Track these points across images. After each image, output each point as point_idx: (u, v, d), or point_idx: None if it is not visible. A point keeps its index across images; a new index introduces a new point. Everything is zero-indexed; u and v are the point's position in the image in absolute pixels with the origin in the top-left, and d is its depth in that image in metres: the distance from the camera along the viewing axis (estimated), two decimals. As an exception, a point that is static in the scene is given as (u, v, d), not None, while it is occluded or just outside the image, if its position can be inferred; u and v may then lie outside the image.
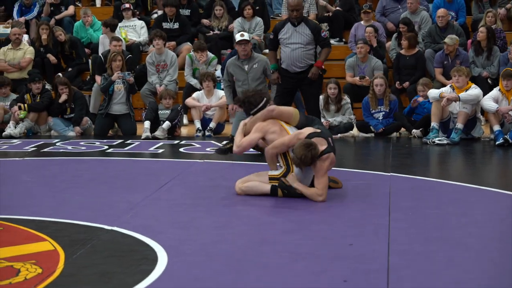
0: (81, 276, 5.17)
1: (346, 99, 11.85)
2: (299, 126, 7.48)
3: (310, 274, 5.11)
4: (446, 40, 12.48)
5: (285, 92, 10.31)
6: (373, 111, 11.68)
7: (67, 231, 6.26)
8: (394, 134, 11.68)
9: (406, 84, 12.62)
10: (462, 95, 10.72)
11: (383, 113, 11.65)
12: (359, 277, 5.02)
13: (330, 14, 14.78)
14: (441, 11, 13.42)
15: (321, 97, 11.86)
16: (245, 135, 7.60)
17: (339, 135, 11.50)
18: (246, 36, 11.21)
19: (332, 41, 14.67)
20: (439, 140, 10.65)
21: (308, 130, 7.28)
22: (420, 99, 11.43)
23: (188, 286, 4.93)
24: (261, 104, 7.65)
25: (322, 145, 7.09)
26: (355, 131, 11.83)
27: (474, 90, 10.83)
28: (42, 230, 6.27)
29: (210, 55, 13.31)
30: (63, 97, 12.13)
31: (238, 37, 11.17)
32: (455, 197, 7.48)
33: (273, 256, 5.57)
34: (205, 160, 9.68)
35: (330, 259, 5.44)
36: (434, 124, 10.82)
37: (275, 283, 4.96)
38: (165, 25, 14.33)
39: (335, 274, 5.07)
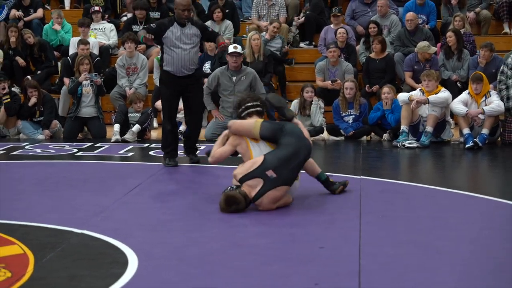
0: (51, 279, 5.13)
1: (320, 102, 11.86)
2: (266, 139, 7.17)
3: (280, 277, 5.10)
4: (416, 49, 12.56)
5: (174, 96, 9.42)
6: (343, 114, 11.71)
7: (36, 235, 6.21)
8: (364, 138, 11.71)
9: (376, 87, 12.65)
10: (432, 97, 10.78)
11: (353, 116, 11.68)
12: (330, 280, 5.02)
13: (300, 17, 14.80)
14: (409, 15, 13.50)
15: (295, 101, 11.89)
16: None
17: (309, 138, 11.51)
18: (239, 49, 11.28)
19: (302, 45, 14.78)
20: (409, 143, 10.69)
21: (245, 168, 6.96)
22: None
23: (159, 289, 4.91)
24: (249, 105, 7.52)
25: (254, 188, 6.84)
26: (325, 135, 11.85)
27: (444, 93, 10.89)
28: (10, 233, 6.21)
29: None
30: (33, 100, 12.04)
31: (231, 48, 11.25)
32: (426, 200, 7.51)
33: (244, 259, 5.56)
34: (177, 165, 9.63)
35: (300, 262, 5.44)
36: (403, 127, 10.87)
37: (246, 286, 4.94)
38: (135, 28, 14.28)
39: (306, 277, 5.07)
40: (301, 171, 7.24)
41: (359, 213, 6.78)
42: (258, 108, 7.49)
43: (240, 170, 6.98)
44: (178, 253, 5.71)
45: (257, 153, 7.10)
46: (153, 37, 9.00)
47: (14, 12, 15.27)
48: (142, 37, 8.97)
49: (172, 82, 9.25)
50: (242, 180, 6.88)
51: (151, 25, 9.25)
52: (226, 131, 7.48)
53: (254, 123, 7.21)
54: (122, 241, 5.89)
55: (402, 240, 5.99)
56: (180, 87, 9.24)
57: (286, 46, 13.96)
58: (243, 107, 7.50)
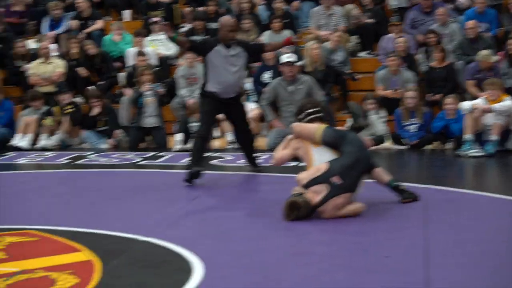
0: (117, 286, 5.17)
1: (381, 112, 11.81)
2: (327, 145, 7.17)
3: (346, 286, 5.06)
4: (478, 57, 12.40)
5: (215, 111, 9.11)
6: (406, 123, 11.63)
7: (102, 242, 6.27)
8: (428, 147, 11.60)
9: (438, 96, 12.53)
10: (495, 106, 10.65)
11: (416, 125, 11.59)
12: (397, 290, 4.97)
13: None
14: (470, 23, 13.35)
15: (356, 110, 11.87)
16: None
17: (371, 148, 11.46)
18: (293, 58, 11.29)
19: (362, 54, 14.70)
20: (473, 152, 10.56)
21: (310, 174, 6.97)
22: None
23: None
24: (310, 111, 7.55)
25: (318, 194, 6.85)
26: (388, 144, 11.76)
27: (508, 102, 10.75)
28: (77, 240, 6.28)
29: (238, 68, 13.27)
30: (96, 110, 12.19)
31: (284, 58, 11.27)
32: (493, 210, 7.39)
33: (309, 267, 5.52)
34: (237, 172, 9.66)
35: (366, 271, 5.39)
36: (467, 136, 10.73)
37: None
38: (194, 38, 14.36)
39: (372, 286, 5.02)
40: (367, 179, 7.22)
41: (424, 223, 6.70)
42: (319, 114, 7.51)
43: (305, 175, 6.97)
44: (243, 261, 5.70)
45: (317, 157, 7.12)
46: (187, 40, 8.69)
47: (74, 23, 15.45)
48: (176, 36, 8.71)
49: (216, 101, 8.88)
50: (307, 185, 6.88)
51: (197, 39, 8.89)
52: (290, 136, 7.51)
53: (317, 128, 7.24)
54: (186, 249, 5.90)
55: (469, 250, 5.89)
56: (222, 106, 8.96)
57: (346, 68, 13.81)
58: (305, 113, 7.52)
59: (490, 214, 7.20)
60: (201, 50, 8.79)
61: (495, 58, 12.48)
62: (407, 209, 7.29)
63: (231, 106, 8.95)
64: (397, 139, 11.72)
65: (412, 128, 11.61)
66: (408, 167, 10.41)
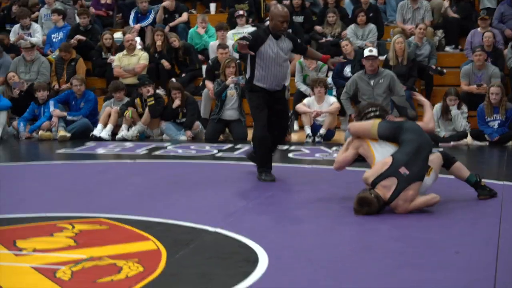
0: (182, 275, 5.19)
1: (463, 107, 11.58)
2: (385, 138, 7.09)
3: (412, 282, 4.97)
4: None
5: (266, 105, 8.57)
6: (488, 119, 11.37)
7: (171, 232, 6.30)
8: (510, 143, 11.33)
9: (524, 92, 12.24)
10: None
11: (499, 121, 11.32)
12: (462, 287, 4.84)
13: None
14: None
15: (438, 105, 11.64)
16: None
17: (452, 143, 11.26)
18: (374, 52, 11.18)
19: (447, 48, 14.45)
20: (557, 151, 10.30)
21: (376, 170, 6.87)
22: None
23: (286, 290, 4.87)
24: (368, 111, 7.49)
25: (389, 189, 6.74)
26: (469, 140, 11.53)
27: None
28: (147, 230, 6.33)
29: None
30: (177, 102, 12.27)
31: (366, 52, 11.20)
32: None
33: (375, 263, 5.44)
34: (313, 166, 9.60)
35: (434, 268, 5.27)
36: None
37: (378, 290, 4.85)
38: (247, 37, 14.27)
39: (438, 283, 4.90)
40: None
41: (499, 220, 6.53)
42: (377, 113, 7.42)
43: (371, 173, 6.89)
44: (308, 255, 5.65)
45: (379, 152, 7.04)
46: (247, 43, 8.11)
47: (160, 16, 15.60)
48: (236, 46, 8.18)
49: (264, 94, 8.51)
50: (375, 182, 6.78)
51: (247, 35, 8.42)
52: (350, 138, 7.43)
53: (372, 123, 7.19)
54: (254, 241, 5.89)
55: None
56: (269, 100, 8.55)
57: (432, 62, 13.56)
58: (363, 113, 7.48)
59: None
60: (255, 46, 8.33)
61: None
62: (484, 205, 7.13)
63: (277, 99, 8.63)
64: (478, 136, 11.46)
65: (495, 124, 11.34)
66: (488, 163, 10.16)
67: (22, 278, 5.16)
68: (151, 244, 5.96)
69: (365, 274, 5.17)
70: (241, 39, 8.27)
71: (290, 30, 14.19)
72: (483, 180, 7.45)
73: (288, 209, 7.23)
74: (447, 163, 7.34)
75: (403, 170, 6.72)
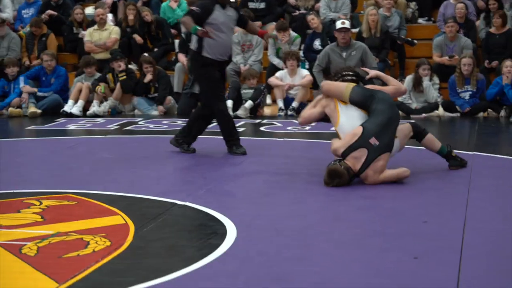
0: (149, 249, 5.15)
1: (435, 78, 11.58)
2: (355, 103, 7.00)
3: (379, 251, 4.96)
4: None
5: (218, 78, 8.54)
6: (460, 90, 11.39)
7: (140, 206, 6.26)
8: (481, 114, 11.36)
9: (495, 63, 12.24)
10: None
11: (470, 92, 11.35)
12: (430, 254, 4.84)
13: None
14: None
15: (409, 77, 11.63)
16: None
17: (423, 114, 11.28)
18: (347, 24, 11.14)
19: (420, 20, 14.46)
20: (528, 120, 10.34)
21: (346, 141, 6.82)
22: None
23: (252, 261, 4.84)
24: (344, 73, 7.41)
25: (359, 160, 6.70)
26: (440, 111, 11.55)
27: None
28: (114, 204, 6.28)
29: (293, 34, 13.17)
30: (148, 76, 12.20)
31: (338, 24, 11.15)
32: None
33: (343, 232, 5.45)
34: (285, 139, 9.57)
35: (401, 236, 5.28)
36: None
37: (342, 259, 4.83)
38: (251, 4, 14.26)
39: (405, 251, 4.90)
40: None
41: (468, 189, 6.55)
42: (353, 77, 7.35)
43: (341, 144, 6.85)
44: (277, 224, 5.64)
45: (344, 115, 6.99)
46: (208, 32, 8.06)
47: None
48: (195, 29, 8.02)
49: (213, 66, 8.43)
50: (345, 153, 6.76)
51: (195, 9, 8.30)
52: (319, 96, 7.40)
53: (346, 85, 7.11)
54: (223, 213, 5.86)
55: (510, 216, 5.75)
56: (218, 72, 8.51)
57: (402, 32, 13.55)
58: (340, 75, 7.40)
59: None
60: (203, 18, 8.27)
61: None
62: (451, 175, 7.15)
63: (222, 72, 8.63)
64: (449, 107, 11.48)
65: (466, 96, 11.36)
66: (459, 134, 10.19)
67: (-15, 254, 5.10)
68: (118, 218, 5.91)
69: (333, 242, 5.16)
70: (189, 13, 8.27)
71: (264, 5, 14.30)
72: (454, 150, 7.46)
73: (258, 180, 7.19)
74: (419, 136, 7.32)
75: (373, 141, 6.70)
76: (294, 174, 7.36)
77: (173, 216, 5.95)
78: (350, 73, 7.41)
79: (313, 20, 13.07)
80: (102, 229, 5.57)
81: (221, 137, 8.67)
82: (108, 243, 5.21)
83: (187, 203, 6.26)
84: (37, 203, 6.39)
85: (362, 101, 6.97)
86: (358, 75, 7.47)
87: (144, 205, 6.28)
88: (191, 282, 4.44)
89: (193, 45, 8.50)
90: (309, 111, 7.37)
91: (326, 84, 7.30)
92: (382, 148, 6.71)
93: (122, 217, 5.91)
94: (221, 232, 5.39)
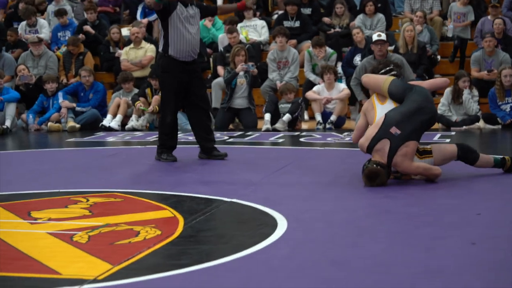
0: (200, 237, 5.14)
1: (474, 91, 11.51)
2: (393, 96, 6.87)
3: (434, 238, 4.89)
4: None
5: (181, 87, 8.49)
6: (500, 103, 11.31)
7: (187, 202, 6.25)
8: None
9: (535, 77, 12.14)
10: None
11: (511, 104, 11.25)
12: (488, 242, 4.77)
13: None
14: None
15: (448, 89, 11.56)
16: None
17: (464, 127, 11.19)
18: (383, 36, 11.15)
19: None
20: None
21: (369, 134, 6.73)
22: None
23: (305, 246, 4.79)
24: (388, 69, 7.32)
25: (383, 152, 6.57)
26: (481, 123, 11.45)
27: None
28: (162, 201, 6.31)
29: (329, 50, 13.17)
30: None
31: (375, 37, 11.17)
32: None
33: (394, 224, 5.40)
34: (325, 148, 9.54)
35: (456, 226, 5.21)
36: None
37: (395, 244, 4.77)
38: (286, 23, 14.29)
39: (462, 239, 4.83)
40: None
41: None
42: (395, 72, 7.23)
43: (364, 138, 6.76)
44: (327, 218, 5.60)
45: (381, 114, 6.82)
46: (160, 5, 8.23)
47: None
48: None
49: (178, 69, 8.40)
50: (370, 147, 6.67)
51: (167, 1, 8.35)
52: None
53: (385, 77, 7.00)
54: (271, 208, 5.82)
55: None
56: (186, 75, 8.43)
57: (433, 48, 13.53)
58: (382, 68, 7.32)
59: None
60: (167, 12, 8.35)
61: None
62: (499, 176, 7.01)
63: (193, 75, 8.55)
64: (490, 119, 11.39)
65: (507, 108, 11.27)
66: (502, 145, 10.07)
67: (39, 242, 5.09)
68: (167, 212, 5.90)
69: (385, 232, 5.11)
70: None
71: (298, 23, 14.35)
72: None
73: (303, 182, 7.13)
74: (470, 160, 7.01)
75: (394, 130, 6.56)
76: (338, 177, 7.29)
77: (221, 211, 5.93)
78: (388, 68, 7.31)
79: (358, 34, 13.04)
80: (151, 221, 5.57)
81: (267, 147, 8.64)
82: (158, 232, 5.20)
83: (234, 200, 6.23)
84: (84, 200, 6.41)
85: (400, 94, 6.84)
86: (400, 71, 7.38)
87: (191, 202, 6.27)
88: (245, 265, 4.41)
89: (160, 47, 8.55)
90: (356, 131, 7.19)
91: (366, 76, 7.25)
92: (405, 136, 6.55)
93: (170, 211, 5.90)
94: (271, 223, 5.37)
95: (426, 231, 5.09)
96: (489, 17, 13.58)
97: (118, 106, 12.45)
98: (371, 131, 6.71)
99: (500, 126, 11.27)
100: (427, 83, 7.25)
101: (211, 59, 14.17)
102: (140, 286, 4.07)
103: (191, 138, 10.73)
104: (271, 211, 5.74)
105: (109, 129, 12.09)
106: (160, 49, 8.60)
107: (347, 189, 6.71)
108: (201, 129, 8.73)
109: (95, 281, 4.12)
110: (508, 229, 5.04)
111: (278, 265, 4.38)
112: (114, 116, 12.39)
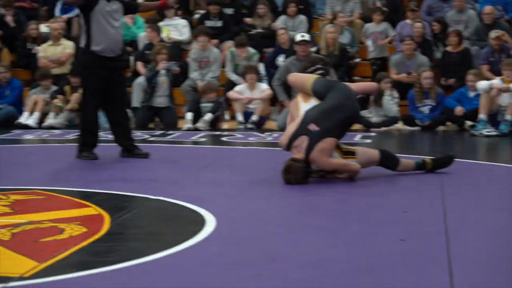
0: (128, 235, 5.06)
1: (394, 93, 11.65)
2: (317, 94, 6.85)
3: (364, 234, 4.92)
4: (491, 34, 12.25)
5: (102, 83, 8.35)
6: (419, 104, 11.48)
7: (112, 200, 6.13)
8: (440, 128, 11.46)
9: (452, 80, 12.37)
10: (513, 85, 10.53)
11: (430, 106, 11.44)
12: (417, 238, 4.80)
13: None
14: (487, 9, 13.18)
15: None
16: None
17: (383, 128, 11.32)
18: (307, 37, 11.18)
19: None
20: (487, 132, 10.42)
21: (288, 132, 6.77)
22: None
23: (238, 243, 4.75)
24: (309, 70, 7.32)
25: (300, 148, 6.59)
26: (400, 125, 11.61)
27: (525, 82, 10.64)
28: (85, 199, 6.14)
29: (252, 50, 13.16)
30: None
31: (298, 37, 11.20)
32: (509, 177, 7.26)
33: (324, 221, 5.39)
34: (248, 147, 9.51)
35: (385, 223, 5.24)
36: (482, 116, 10.60)
37: (330, 242, 4.77)
38: (208, 23, 14.23)
39: (392, 235, 4.86)
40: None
41: (441, 186, 6.54)
42: (319, 71, 7.22)
43: (284, 136, 6.80)
44: (257, 215, 5.56)
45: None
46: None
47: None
48: None
49: (100, 65, 8.26)
50: (289, 144, 6.69)
51: None
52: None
53: (310, 76, 7.03)
54: (199, 206, 5.73)
55: (489, 206, 5.78)
56: (107, 72, 8.30)
57: (354, 49, 13.70)
58: (310, 67, 7.33)
59: (508, 179, 7.12)
60: (90, 6, 8.24)
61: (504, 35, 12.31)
62: (421, 175, 7.08)
63: (115, 72, 8.44)
64: (409, 121, 11.57)
65: (425, 110, 11.46)
66: (421, 145, 10.21)
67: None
68: (91, 210, 5.76)
69: (317, 229, 5.10)
70: None
71: (220, 23, 14.29)
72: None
73: (229, 180, 7.07)
74: (391, 165, 7.05)
75: (312, 127, 6.56)
76: (263, 175, 7.21)
77: (148, 208, 5.86)
78: (316, 67, 7.31)
79: (283, 35, 13.06)
80: (76, 219, 5.44)
81: (189, 145, 8.59)
82: (84, 230, 5.07)
83: (160, 197, 6.13)
84: (4, 197, 6.21)
85: (323, 92, 6.82)
86: (326, 63, 7.42)
87: (116, 200, 6.16)
88: (177, 262, 4.33)
89: (81, 42, 8.43)
90: (285, 134, 7.05)
91: (292, 75, 7.30)
92: (324, 133, 6.55)
93: (95, 209, 5.77)
94: (200, 221, 5.28)
95: (356, 228, 5.11)
96: (407, 21, 13.76)
97: (35, 103, 12.19)
98: (291, 129, 6.73)
99: (418, 128, 11.44)
100: (356, 85, 7.30)
101: (131, 58, 14.02)
102: (68, 283, 3.95)
103: (111, 137, 10.60)
104: (198, 209, 5.64)
105: (25, 127, 11.82)
106: (82, 45, 8.45)
107: (274, 187, 6.64)
108: (120, 128, 8.62)
109: (21, 278, 3.98)
110: (435, 226, 5.07)
111: (211, 262, 4.31)
112: (31, 113, 12.12)
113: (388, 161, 7.03)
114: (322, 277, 3.98)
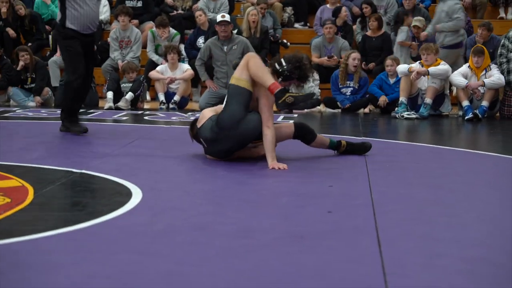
0: (53, 205, 4.98)
1: (315, 74, 11.72)
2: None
3: (294, 207, 4.95)
4: (415, 22, 12.43)
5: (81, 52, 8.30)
6: (341, 86, 11.58)
7: (34, 173, 6.02)
8: (361, 111, 11.60)
9: (372, 65, 12.53)
10: (432, 69, 10.68)
11: (351, 89, 11.55)
12: (344, 210, 4.86)
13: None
14: (407, -5, 13.39)
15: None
16: None
17: (305, 110, 11.38)
18: (227, 17, 11.17)
19: (296, 25, 14.64)
20: (407, 114, 10.59)
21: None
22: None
23: (166, 214, 4.72)
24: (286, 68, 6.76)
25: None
26: (321, 107, 11.71)
27: (444, 66, 10.80)
28: (7, 171, 5.98)
29: (173, 31, 13.10)
30: (21, 63, 11.84)
31: (219, 18, 11.21)
32: (431, 155, 7.41)
33: (252, 194, 5.41)
34: (171, 126, 9.46)
35: (312, 196, 5.28)
36: (402, 99, 10.76)
37: (259, 213, 4.78)
38: (128, 3, 14.08)
39: (320, 207, 4.90)
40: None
41: (365, 162, 6.61)
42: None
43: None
44: (183, 187, 5.55)
45: None
46: None
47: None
48: None
49: (77, 40, 8.23)
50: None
51: None
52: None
53: (271, 79, 6.39)
54: (124, 179, 5.68)
55: (412, 182, 5.89)
56: (82, 45, 8.27)
57: (278, 32, 13.74)
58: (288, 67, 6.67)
59: (429, 157, 7.29)
60: None
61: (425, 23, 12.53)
62: (347, 156, 7.05)
63: (88, 46, 8.42)
64: (331, 103, 11.67)
65: (347, 91, 11.57)
66: (343, 125, 10.30)
67: None
68: (14, 182, 5.64)
69: (243, 202, 5.10)
70: None
71: (141, 3, 14.14)
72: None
73: (154, 154, 7.02)
74: (307, 139, 6.87)
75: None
76: (187, 152, 7.15)
77: (72, 181, 5.74)
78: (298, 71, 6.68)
79: (200, 17, 13.03)
80: (-1, 190, 5.33)
81: (110, 123, 8.48)
82: (8, 200, 4.97)
83: (83, 171, 6.05)
84: None
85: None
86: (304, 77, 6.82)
87: (40, 173, 6.04)
88: (105, 231, 4.27)
89: (57, 18, 8.35)
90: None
91: (256, 64, 6.49)
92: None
93: (18, 181, 5.65)
94: (126, 192, 5.23)
95: (284, 201, 5.14)
96: (328, 5, 13.90)
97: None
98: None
99: (339, 110, 11.55)
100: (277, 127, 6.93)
101: (50, 37, 13.80)
102: (-5, 250, 3.87)
103: (30, 114, 10.45)
104: (123, 182, 5.59)
105: None
106: (57, 20, 8.38)
107: (198, 163, 6.62)
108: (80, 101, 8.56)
109: None
110: (360, 199, 5.14)
111: (140, 231, 4.27)
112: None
113: (304, 134, 6.82)
114: (253, 246, 3.98)
